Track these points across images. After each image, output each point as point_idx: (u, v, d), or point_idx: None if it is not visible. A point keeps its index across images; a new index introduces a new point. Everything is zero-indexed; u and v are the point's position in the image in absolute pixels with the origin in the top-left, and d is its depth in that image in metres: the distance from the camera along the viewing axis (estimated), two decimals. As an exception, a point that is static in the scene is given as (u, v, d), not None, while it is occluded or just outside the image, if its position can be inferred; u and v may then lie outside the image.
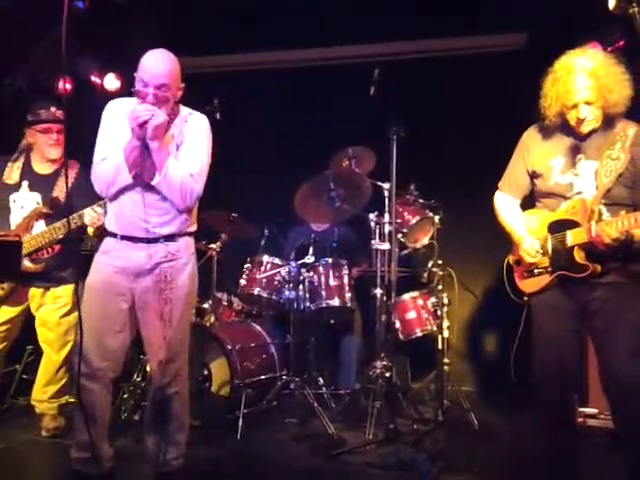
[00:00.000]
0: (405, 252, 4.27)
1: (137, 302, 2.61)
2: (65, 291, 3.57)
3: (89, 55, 4.84)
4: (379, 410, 3.61)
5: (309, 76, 5.21)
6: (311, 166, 4.14)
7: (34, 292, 3.55)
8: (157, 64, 2.48)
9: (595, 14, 3.45)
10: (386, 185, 3.91)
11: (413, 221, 4.10)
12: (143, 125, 2.40)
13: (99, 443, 2.59)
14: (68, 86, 5.16)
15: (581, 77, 2.38)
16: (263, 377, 3.93)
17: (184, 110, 2.67)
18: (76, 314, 3.56)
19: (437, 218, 4.13)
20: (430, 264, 4.18)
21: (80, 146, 2.77)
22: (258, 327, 4.24)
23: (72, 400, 3.70)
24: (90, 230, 3.43)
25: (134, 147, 2.47)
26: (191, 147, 2.59)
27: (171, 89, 2.51)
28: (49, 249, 3.48)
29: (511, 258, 2.70)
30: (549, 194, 2.55)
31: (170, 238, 2.60)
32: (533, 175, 2.61)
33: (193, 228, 2.73)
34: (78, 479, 2.61)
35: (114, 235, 2.61)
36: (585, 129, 2.46)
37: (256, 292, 4.22)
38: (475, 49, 4.99)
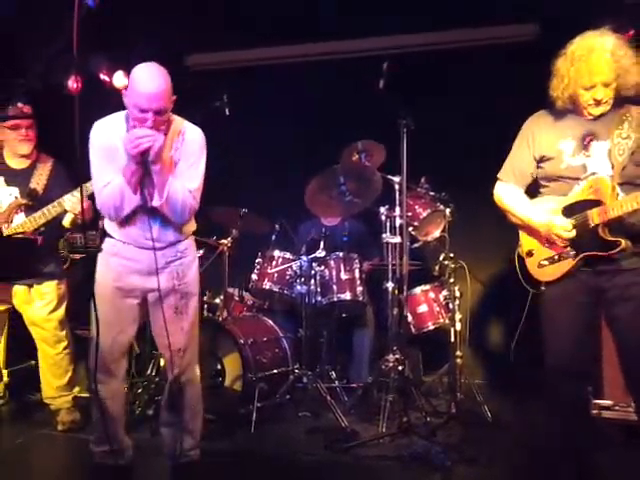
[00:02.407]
0: (416, 245, 4.25)
1: (150, 298, 2.69)
2: (49, 287, 3.59)
3: (100, 52, 4.84)
4: (392, 403, 3.61)
5: (319, 70, 5.20)
6: (321, 160, 4.13)
7: (17, 289, 3.57)
8: (152, 85, 2.39)
9: (606, 4, 3.43)
10: (396, 178, 3.90)
11: (424, 214, 4.08)
12: (144, 152, 2.40)
13: (119, 434, 2.70)
14: (78, 84, 5.20)
15: (603, 57, 2.36)
16: (276, 371, 3.94)
17: (177, 120, 2.62)
18: (63, 308, 3.64)
19: (448, 211, 4.10)
20: (442, 257, 4.15)
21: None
22: (270, 321, 4.24)
23: (85, 395, 3.75)
24: (67, 220, 3.44)
25: (134, 171, 2.46)
26: (190, 165, 2.60)
27: (168, 109, 2.49)
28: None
29: (521, 250, 2.66)
30: (559, 178, 2.53)
31: (176, 242, 2.68)
32: (541, 160, 2.58)
33: (193, 226, 2.80)
34: (101, 472, 2.72)
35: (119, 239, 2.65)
36: (597, 111, 2.44)
37: (267, 287, 4.24)
38: (486, 40, 4.94)
